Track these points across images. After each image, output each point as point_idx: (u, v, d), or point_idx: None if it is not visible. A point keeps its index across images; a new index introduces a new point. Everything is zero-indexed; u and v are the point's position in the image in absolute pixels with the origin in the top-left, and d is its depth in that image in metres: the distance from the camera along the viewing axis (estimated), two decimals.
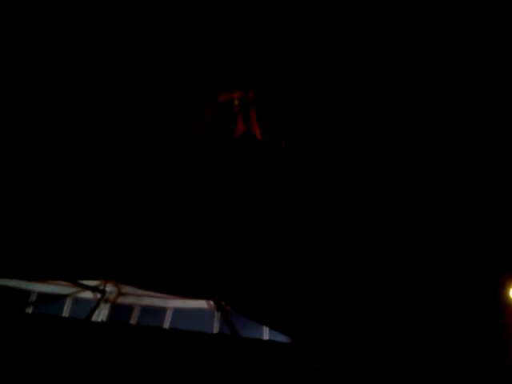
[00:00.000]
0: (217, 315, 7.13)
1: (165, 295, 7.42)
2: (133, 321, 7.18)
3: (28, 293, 6.86)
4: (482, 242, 5.77)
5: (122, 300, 7.37)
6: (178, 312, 7.29)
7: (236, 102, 4.92)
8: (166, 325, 7.16)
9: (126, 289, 7.44)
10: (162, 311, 7.30)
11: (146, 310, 7.31)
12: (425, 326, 5.78)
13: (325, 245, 7.08)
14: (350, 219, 6.98)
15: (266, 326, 6.87)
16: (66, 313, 6.94)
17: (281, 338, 6.61)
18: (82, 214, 7.78)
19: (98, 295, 7.22)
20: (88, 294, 7.22)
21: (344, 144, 6.80)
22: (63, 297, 7.04)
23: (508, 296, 5.24)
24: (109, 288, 7.32)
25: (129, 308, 7.30)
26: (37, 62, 6.83)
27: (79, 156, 7.85)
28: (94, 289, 7.25)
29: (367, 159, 6.73)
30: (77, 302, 7.09)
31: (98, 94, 7.21)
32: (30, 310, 6.74)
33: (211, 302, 7.29)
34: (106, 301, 7.19)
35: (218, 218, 7.89)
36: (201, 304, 7.33)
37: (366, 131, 6.75)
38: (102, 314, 7.01)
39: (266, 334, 6.85)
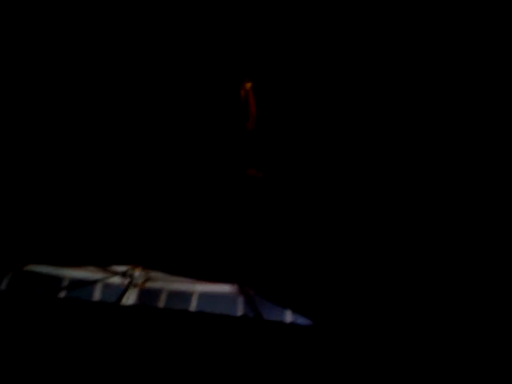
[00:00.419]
0: (241, 299, 7.27)
1: (191, 280, 7.59)
2: (160, 304, 7.39)
3: (59, 278, 7.13)
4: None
5: (149, 285, 7.58)
6: (203, 296, 7.46)
7: (243, 93, 4.82)
8: (192, 308, 7.34)
9: (154, 274, 7.64)
10: (188, 295, 7.49)
11: (173, 295, 7.51)
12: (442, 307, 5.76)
13: (348, 228, 7.08)
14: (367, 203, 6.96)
15: (289, 309, 6.95)
16: (96, 298, 7.19)
17: (304, 321, 6.68)
18: (111, 200, 7.97)
19: (127, 280, 7.44)
20: (117, 280, 7.45)
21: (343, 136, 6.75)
22: (93, 282, 7.28)
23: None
24: (137, 273, 7.55)
25: (156, 292, 7.51)
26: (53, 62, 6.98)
27: (108, 143, 8.01)
28: (122, 274, 7.47)
29: (368, 155, 6.67)
30: (106, 287, 7.33)
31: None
32: (61, 295, 7.01)
33: (235, 286, 7.42)
34: (135, 286, 7.41)
35: (241, 202, 7.96)
36: (225, 288, 7.47)
37: (367, 128, 6.68)
38: (130, 299, 7.24)
39: (288, 317, 6.94)
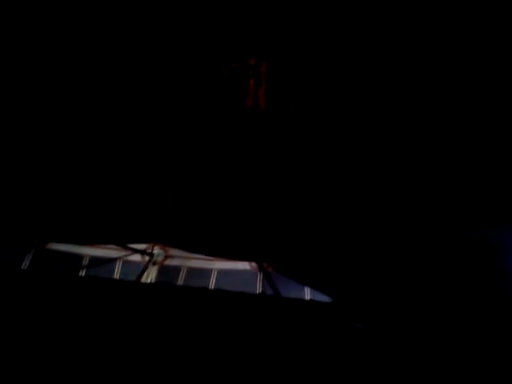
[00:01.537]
0: (259, 276, 7.28)
1: (210, 257, 7.63)
2: (180, 282, 7.45)
3: (81, 257, 7.23)
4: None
5: (169, 262, 7.64)
6: (222, 273, 7.49)
7: (250, 71, 4.68)
8: (211, 286, 7.39)
9: (173, 251, 7.69)
10: (207, 273, 7.53)
11: (192, 272, 7.56)
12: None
13: (365, 209, 7.00)
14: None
15: (308, 286, 6.94)
16: (116, 275, 7.27)
17: (322, 297, 6.67)
18: (131, 180, 8.01)
19: (147, 258, 7.51)
20: (137, 257, 7.53)
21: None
22: (114, 260, 7.37)
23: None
24: (156, 251, 7.61)
25: (176, 270, 7.57)
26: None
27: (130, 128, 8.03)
28: (142, 252, 7.54)
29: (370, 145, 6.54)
30: (126, 264, 7.41)
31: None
32: (82, 273, 7.12)
33: (254, 264, 7.43)
34: (154, 263, 7.48)
35: (259, 182, 7.92)
36: (244, 265, 7.49)
37: (369, 125, 6.52)
38: (150, 276, 7.32)
39: (307, 294, 6.92)
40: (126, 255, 7.42)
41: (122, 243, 7.41)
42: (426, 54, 5.82)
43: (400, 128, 6.55)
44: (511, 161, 5.45)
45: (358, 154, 6.30)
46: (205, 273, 7.53)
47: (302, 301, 6.69)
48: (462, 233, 5.97)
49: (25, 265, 6.77)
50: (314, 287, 6.82)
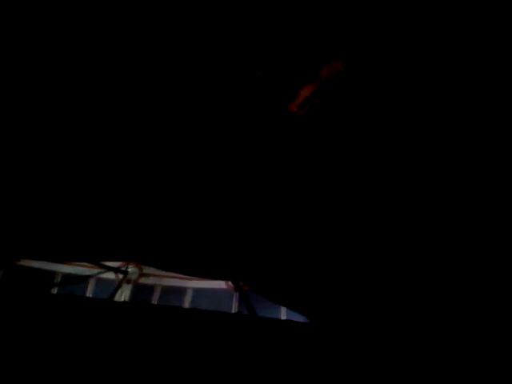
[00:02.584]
0: (235, 295, 7.27)
1: (185, 276, 7.58)
2: (154, 301, 7.38)
3: (53, 274, 7.09)
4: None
5: (143, 281, 7.56)
6: (197, 292, 7.46)
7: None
8: (186, 305, 7.33)
9: (148, 270, 7.62)
10: (182, 291, 7.48)
11: (167, 291, 7.50)
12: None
13: (344, 227, 7.08)
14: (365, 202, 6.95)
15: (284, 306, 6.97)
16: (89, 293, 7.15)
17: (298, 318, 6.69)
18: (105, 197, 7.91)
19: (121, 276, 7.42)
20: (111, 275, 7.43)
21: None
22: (87, 278, 7.25)
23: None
24: (131, 269, 7.53)
25: (150, 288, 7.49)
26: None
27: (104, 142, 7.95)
28: (116, 270, 7.45)
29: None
30: (100, 282, 7.30)
31: None
32: (55, 291, 6.97)
33: (230, 283, 7.42)
34: (128, 281, 7.39)
35: (235, 200, 7.94)
36: (220, 284, 7.47)
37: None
38: (124, 294, 7.22)
39: (283, 314, 6.95)
40: (100, 273, 7.32)
41: (96, 261, 7.31)
42: (426, 56, 5.94)
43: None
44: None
45: (332, 176, 6.41)
46: (180, 292, 7.47)
47: (278, 320, 6.70)
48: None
49: None
50: (290, 307, 6.84)
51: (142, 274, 7.62)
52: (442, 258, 5.80)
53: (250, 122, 7.25)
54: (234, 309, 7.16)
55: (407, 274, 6.20)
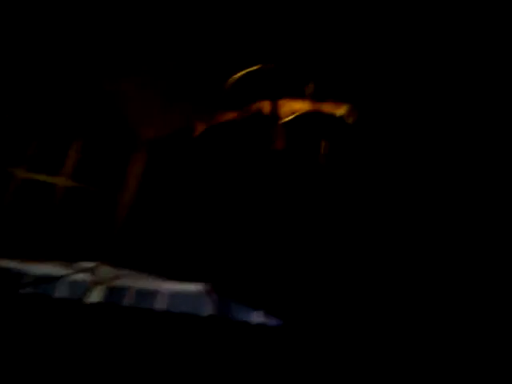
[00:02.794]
0: (209, 299, 7.23)
1: (158, 278, 7.51)
2: (127, 303, 7.26)
3: (23, 274, 6.92)
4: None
5: (116, 282, 7.45)
6: (170, 295, 7.37)
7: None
8: (159, 307, 7.25)
9: (121, 271, 7.52)
10: (155, 294, 7.39)
11: (140, 293, 7.39)
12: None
13: (315, 231, 7.15)
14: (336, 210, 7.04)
15: (258, 309, 6.96)
16: (60, 294, 7.00)
17: (272, 321, 6.70)
18: (78, 196, 7.81)
19: (93, 277, 7.30)
20: (83, 276, 7.29)
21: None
22: (58, 278, 7.10)
23: None
24: (103, 270, 7.41)
25: (123, 290, 7.38)
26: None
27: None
28: (88, 271, 7.32)
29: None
30: (72, 283, 7.16)
31: None
32: (23, 291, 6.80)
33: (203, 286, 7.38)
34: (101, 283, 7.27)
35: (212, 204, 7.94)
36: (193, 287, 7.42)
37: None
38: (96, 296, 7.09)
39: (257, 317, 6.94)
40: (72, 273, 7.18)
41: (68, 261, 7.18)
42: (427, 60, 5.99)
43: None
44: None
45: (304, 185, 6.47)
46: (152, 294, 7.38)
47: (252, 324, 6.69)
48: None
49: None
50: (264, 310, 6.85)
51: (115, 276, 7.50)
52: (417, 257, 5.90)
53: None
54: (208, 312, 7.12)
55: (383, 276, 6.29)
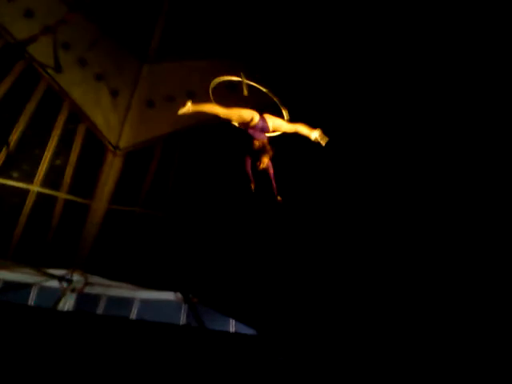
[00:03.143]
0: (184, 307, 7.21)
1: (132, 286, 7.45)
2: (99, 311, 7.17)
3: None
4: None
5: (88, 290, 7.35)
6: (145, 303, 7.32)
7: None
8: (133, 316, 7.18)
9: (93, 279, 7.42)
10: (129, 302, 7.32)
11: (113, 301, 7.31)
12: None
13: (292, 237, 7.20)
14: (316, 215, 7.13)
15: (233, 318, 6.98)
16: (31, 301, 6.86)
17: (247, 330, 6.74)
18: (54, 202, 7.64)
19: (65, 284, 7.18)
20: (54, 283, 7.17)
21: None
22: (29, 285, 6.96)
23: None
24: (76, 277, 7.29)
25: (96, 298, 7.28)
26: None
27: None
28: (60, 278, 7.20)
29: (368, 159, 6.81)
30: (43, 290, 7.02)
31: None
32: None
33: (178, 294, 7.35)
34: (73, 290, 7.16)
35: (188, 212, 7.92)
36: (168, 295, 7.39)
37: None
38: (68, 304, 6.98)
39: (232, 326, 6.96)
40: (43, 280, 7.04)
41: (39, 267, 7.04)
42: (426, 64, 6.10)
43: None
44: None
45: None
46: (126, 302, 7.31)
47: (227, 333, 6.71)
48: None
49: None
50: (239, 319, 6.88)
51: (87, 283, 7.40)
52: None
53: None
54: (183, 321, 7.10)
55: (355, 284, 6.40)
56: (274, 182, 4.33)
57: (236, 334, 6.79)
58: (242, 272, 7.21)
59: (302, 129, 4.38)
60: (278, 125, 4.34)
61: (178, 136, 7.97)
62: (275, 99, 4.54)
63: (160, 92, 7.69)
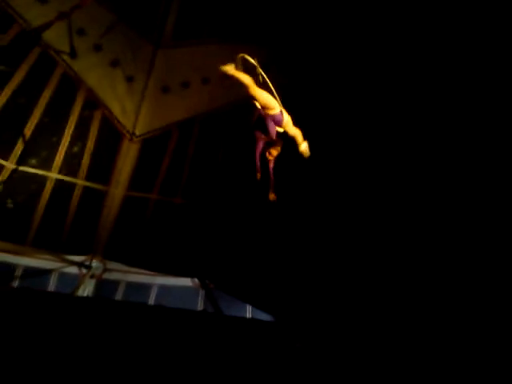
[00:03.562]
0: (201, 293, 7.23)
1: (150, 272, 7.48)
2: (118, 297, 7.23)
3: (14, 266, 6.84)
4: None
5: (107, 276, 7.41)
6: (162, 289, 7.36)
7: None
8: (151, 301, 7.23)
9: (112, 265, 7.48)
10: (147, 288, 7.37)
11: (132, 287, 7.37)
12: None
13: (308, 226, 7.14)
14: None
15: (250, 304, 6.97)
16: (51, 287, 6.95)
17: (264, 316, 6.72)
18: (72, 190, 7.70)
19: (84, 270, 7.25)
20: (74, 269, 7.24)
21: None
22: (49, 271, 7.04)
23: None
24: (94, 263, 7.36)
25: (114, 284, 7.35)
26: None
27: None
28: (80, 264, 7.27)
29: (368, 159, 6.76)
30: (62, 276, 7.10)
31: None
32: (15, 284, 6.73)
33: (196, 280, 7.37)
34: (92, 276, 7.23)
35: (205, 198, 7.91)
36: (186, 282, 7.41)
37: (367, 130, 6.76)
38: (87, 290, 7.06)
39: (249, 312, 6.95)
40: (63, 267, 7.12)
41: (59, 254, 7.12)
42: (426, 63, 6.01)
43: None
44: None
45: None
46: (144, 288, 7.36)
47: (243, 319, 6.70)
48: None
49: None
50: (256, 305, 6.87)
51: (106, 269, 7.46)
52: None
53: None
54: (200, 307, 7.12)
55: (372, 275, 6.33)
56: (272, 177, 4.39)
57: (253, 319, 6.78)
58: (258, 258, 7.18)
59: (299, 136, 4.42)
60: (288, 123, 4.36)
61: (194, 122, 7.93)
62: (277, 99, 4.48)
63: (175, 77, 7.61)
